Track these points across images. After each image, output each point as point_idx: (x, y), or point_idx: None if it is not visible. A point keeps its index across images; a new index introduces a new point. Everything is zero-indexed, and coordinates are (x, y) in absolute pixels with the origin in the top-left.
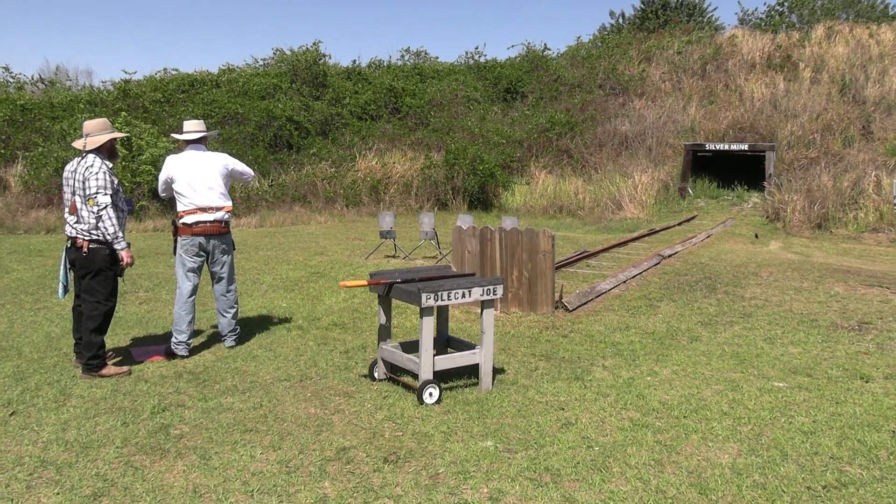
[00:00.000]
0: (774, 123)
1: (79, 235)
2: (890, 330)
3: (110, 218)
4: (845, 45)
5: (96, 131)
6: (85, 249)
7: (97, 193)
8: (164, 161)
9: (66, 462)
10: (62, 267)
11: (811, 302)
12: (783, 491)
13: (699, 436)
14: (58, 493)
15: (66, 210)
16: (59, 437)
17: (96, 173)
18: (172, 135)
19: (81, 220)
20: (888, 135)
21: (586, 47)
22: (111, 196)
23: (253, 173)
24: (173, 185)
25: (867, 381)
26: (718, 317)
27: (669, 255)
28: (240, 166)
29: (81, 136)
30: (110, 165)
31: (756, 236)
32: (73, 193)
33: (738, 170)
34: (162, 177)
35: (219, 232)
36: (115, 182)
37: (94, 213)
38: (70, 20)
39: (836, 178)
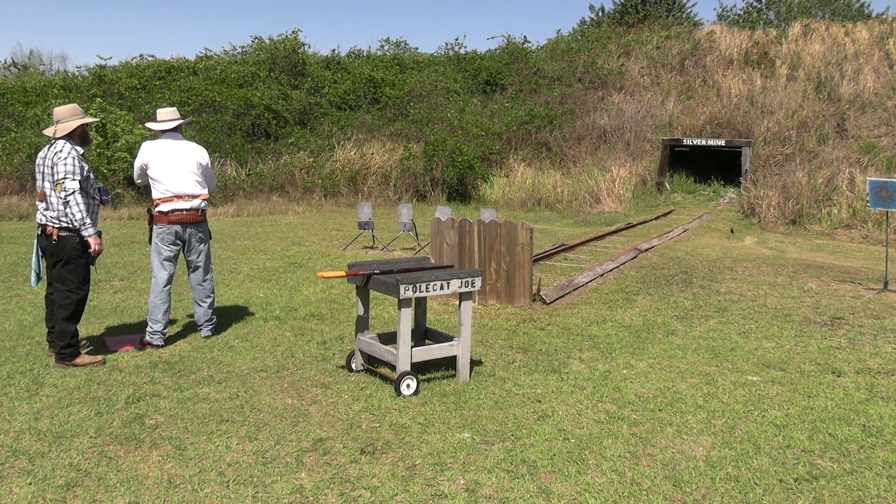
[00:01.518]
0: (751, 120)
1: (48, 223)
2: (861, 325)
3: (78, 204)
4: (821, 42)
5: (66, 117)
6: (54, 237)
7: (65, 179)
8: (139, 148)
9: (38, 452)
10: (34, 255)
11: (785, 297)
12: (756, 483)
13: (674, 429)
14: (30, 483)
15: (37, 197)
16: (31, 427)
17: (65, 158)
18: (147, 124)
19: (50, 207)
20: (862, 132)
21: (566, 40)
22: (80, 182)
23: (215, 186)
24: (148, 172)
25: (839, 376)
26: (694, 311)
27: (646, 249)
28: (210, 171)
29: (53, 123)
30: (81, 151)
31: (732, 231)
32: (44, 180)
33: (714, 165)
34: (137, 163)
35: (195, 220)
36: (86, 169)
37: (61, 198)
38: (44, 3)
39: (810, 175)
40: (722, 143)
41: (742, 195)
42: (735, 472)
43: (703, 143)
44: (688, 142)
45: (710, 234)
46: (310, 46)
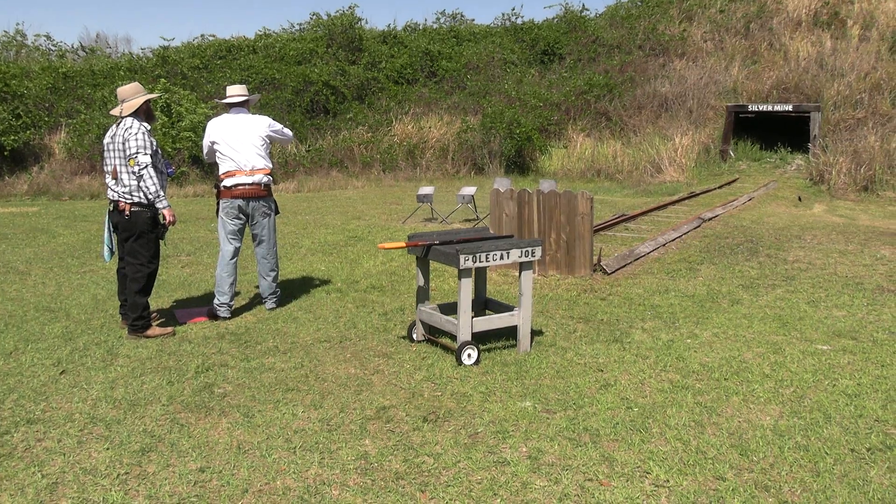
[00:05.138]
0: (820, 83)
1: (121, 199)
2: None
3: (151, 177)
4: None
5: (130, 95)
6: (127, 212)
7: (137, 153)
8: (205, 126)
9: (114, 419)
10: (106, 230)
11: (856, 265)
12: (826, 453)
13: (740, 398)
14: (107, 448)
15: (108, 175)
16: (107, 395)
17: (135, 134)
18: (216, 100)
19: (121, 184)
20: None
21: (625, 7)
22: (151, 156)
23: (292, 136)
24: (215, 147)
25: None
26: (760, 280)
27: (710, 219)
28: (279, 127)
29: (118, 104)
30: (148, 127)
31: (799, 199)
32: (115, 158)
33: (781, 131)
34: (205, 142)
35: (257, 194)
36: (154, 143)
37: (134, 172)
38: None
39: (884, 139)
40: (789, 108)
41: (810, 162)
42: (804, 441)
43: (770, 108)
44: (753, 108)
45: (776, 202)
46: (366, 21)
